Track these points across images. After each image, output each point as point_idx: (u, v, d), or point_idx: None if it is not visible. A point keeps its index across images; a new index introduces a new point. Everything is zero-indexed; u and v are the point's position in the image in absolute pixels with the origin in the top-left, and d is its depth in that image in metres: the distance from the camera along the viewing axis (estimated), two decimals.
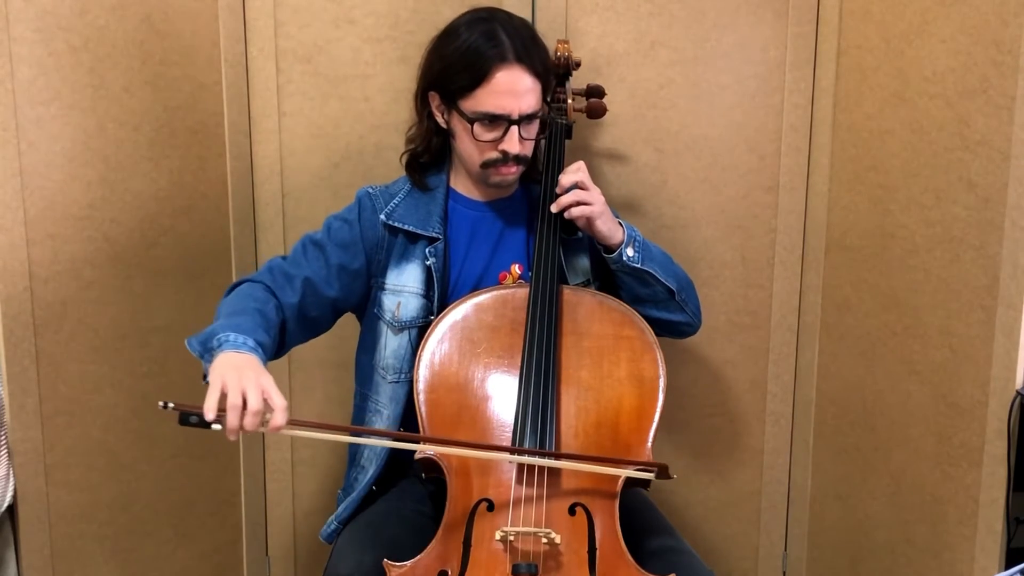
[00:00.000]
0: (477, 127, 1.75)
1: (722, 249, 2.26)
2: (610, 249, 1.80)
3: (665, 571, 1.61)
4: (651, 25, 2.16)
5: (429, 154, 1.88)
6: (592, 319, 1.78)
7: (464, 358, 1.74)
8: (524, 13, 2.02)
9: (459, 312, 1.77)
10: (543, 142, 1.90)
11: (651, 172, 2.22)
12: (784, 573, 2.41)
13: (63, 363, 1.90)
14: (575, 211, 1.76)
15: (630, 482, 1.65)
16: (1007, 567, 1.69)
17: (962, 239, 1.83)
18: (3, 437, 1.81)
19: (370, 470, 1.85)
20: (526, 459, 1.63)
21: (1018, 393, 1.75)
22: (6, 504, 1.81)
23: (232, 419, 1.45)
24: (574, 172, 1.79)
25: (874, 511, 2.12)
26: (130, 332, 2.01)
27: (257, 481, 2.30)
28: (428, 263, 1.82)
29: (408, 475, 1.88)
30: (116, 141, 1.94)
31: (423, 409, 1.71)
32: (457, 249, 1.86)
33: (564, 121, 1.91)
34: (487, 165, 1.79)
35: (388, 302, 1.84)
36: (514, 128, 1.74)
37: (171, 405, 1.45)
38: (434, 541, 1.62)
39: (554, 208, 1.79)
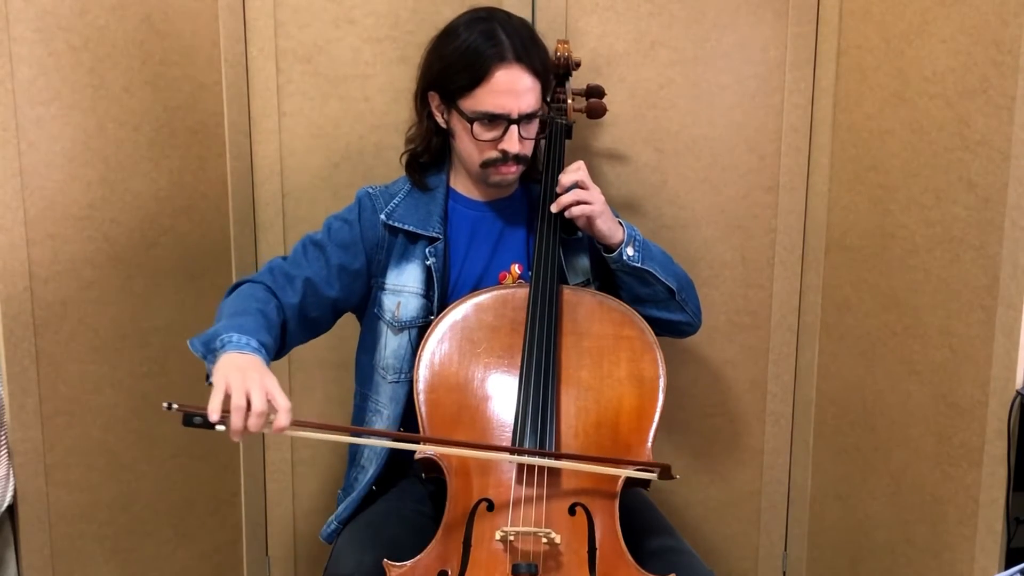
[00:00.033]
0: (477, 127, 1.75)
1: (722, 249, 2.26)
2: (610, 248, 1.80)
3: (665, 571, 1.61)
4: (651, 25, 2.16)
5: (429, 154, 1.88)
6: (592, 319, 1.78)
7: (464, 358, 1.73)
8: (524, 13, 2.02)
9: (459, 312, 1.77)
10: (543, 142, 1.90)
11: (651, 172, 2.22)
12: (784, 573, 2.41)
13: (63, 363, 1.90)
14: (575, 210, 1.76)
15: (630, 482, 1.65)
16: (1007, 567, 1.69)
17: (962, 239, 1.83)
18: (3, 437, 1.81)
19: (370, 470, 1.85)
20: (527, 459, 1.63)
21: (1018, 393, 1.75)
22: (6, 504, 1.81)
23: (236, 420, 1.45)
24: (574, 172, 1.79)
25: (874, 511, 2.12)
26: (130, 332, 2.01)
27: (257, 481, 2.30)
28: (428, 263, 1.82)
29: (408, 475, 1.88)
30: (116, 141, 1.94)
31: (423, 409, 1.71)
32: (457, 249, 1.86)
33: (564, 121, 1.91)
34: (487, 165, 1.79)
35: (388, 302, 1.84)
36: (513, 127, 1.74)
37: (175, 406, 1.45)
38: (434, 541, 1.62)
39: (554, 208, 1.79)
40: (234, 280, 2.13)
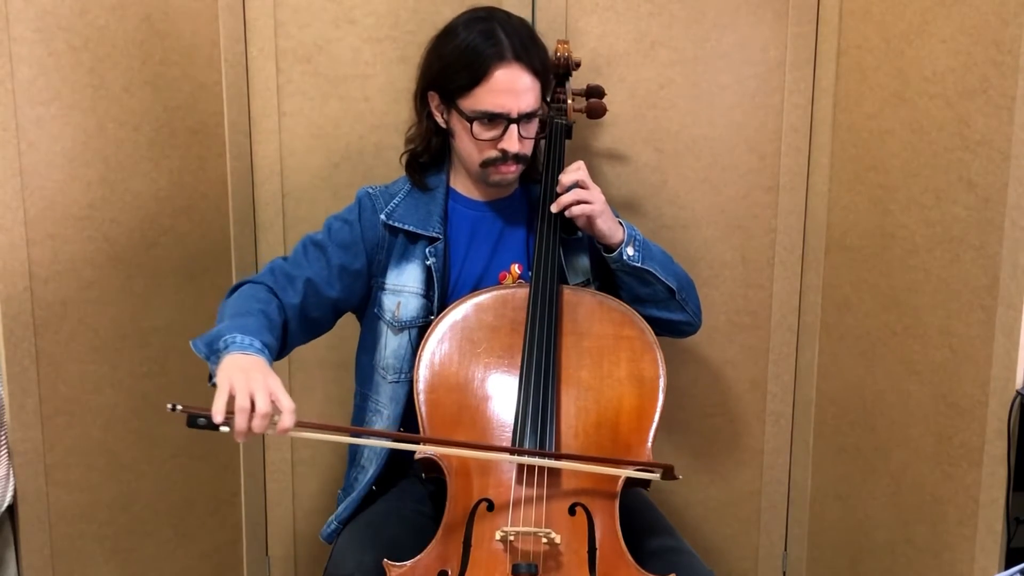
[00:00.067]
0: (476, 126, 1.75)
1: (722, 249, 2.26)
2: (610, 248, 1.80)
3: (665, 571, 1.61)
4: (651, 25, 2.16)
5: (429, 154, 1.88)
6: (592, 319, 1.78)
7: (464, 358, 1.73)
8: (524, 13, 2.02)
9: (459, 312, 1.77)
10: (543, 142, 1.90)
11: (651, 172, 2.22)
12: (784, 573, 2.41)
13: (63, 363, 1.90)
14: (575, 210, 1.76)
15: (630, 482, 1.66)
16: (1007, 567, 1.69)
17: (962, 239, 1.83)
18: (3, 437, 1.81)
19: (370, 470, 1.85)
20: (528, 460, 1.63)
21: (1018, 393, 1.75)
22: (6, 504, 1.81)
23: (240, 422, 1.45)
24: (574, 171, 1.79)
25: (874, 511, 2.12)
26: (130, 332, 2.01)
27: (257, 481, 2.30)
28: (428, 263, 1.82)
29: (408, 475, 1.88)
30: (116, 141, 1.94)
31: (423, 409, 1.71)
32: (457, 249, 1.86)
33: (564, 121, 1.91)
34: (487, 164, 1.79)
35: (388, 302, 1.84)
36: (513, 127, 1.74)
37: (179, 407, 1.44)
38: (434, 541, 1.62)
39: (554, 208, 1.79)
40: (234, 280, 2.13)
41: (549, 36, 1.94)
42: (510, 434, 1.66)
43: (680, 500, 2.35)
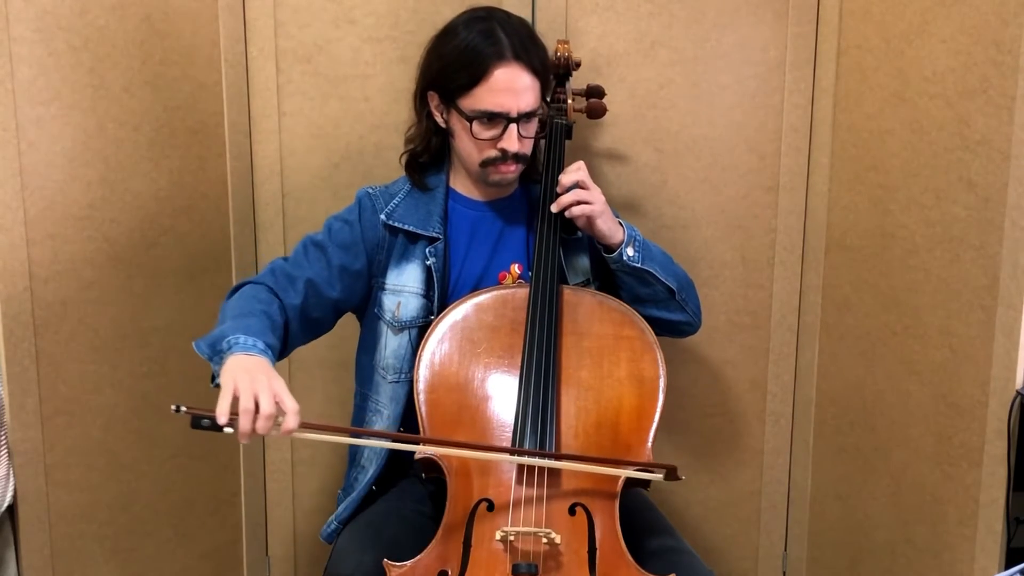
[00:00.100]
0: (476, 125, 1.75)
1: (722, 249, 2.26)
2: (610, 249, 1.80)
3: (665, 571, 1.61)
4: (651, 25, 2.16)
5: (428, 154, 1.88)
6: (592, 319, 1.78)
7: (464, 358, 1.73)
8: (524, 13, 2.02)
9: (459, 312, 1.77)
10: (543, 142, 1.90)
11: (651, 172, 2.22)
12: (784, 573, 2.41)
13: (63, 363, 1.90)
14: (575, 210, 1.76)
15: (630, 482, 1.66)
16: (1007, 567, 1.69)
17: (962, 239, 1.83)
18: (3, 437, 1.81)
19: (370, 470, 1.85)
20: (528, 460, 1.63)
21: (1018, 393, 1.75)
22: (6, 504, 1.81)
23: (245, 423, 1.45)
24: (574, 172, 1.79)
25: (874, 511, 2.12)
26: (130, 332, 2.01)
27: (257, 481, 2.30)
28: (428, 263, 1.82)
29: (408, 475, 1.88)
30: (116, 141, 1.94)
31: (423, 409, 1.71)
32: (457, 249, 1.86)
33: (564, 121, 1.91)
34: (486, 164, 1.79)
35: (388, 302, 1.84)
36: (513, 126, 1.74)
37: (184, 409, 1.44)
38: (434, 541, 1.62)
39: (554, 208, 1.79)
40: (234, 280, 2.13)
41: (549, 36, 1.94)
42: (510, 434, 1.66)
43: (680, 500, 2.35)
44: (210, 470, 2.19)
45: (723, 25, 2.17)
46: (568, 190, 1.77)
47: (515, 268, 1.87)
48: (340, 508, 1.86)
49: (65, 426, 1.91)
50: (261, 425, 1.45)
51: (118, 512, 2.03)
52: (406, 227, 1.83)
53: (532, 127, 1.80)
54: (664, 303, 1.85)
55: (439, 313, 1.78)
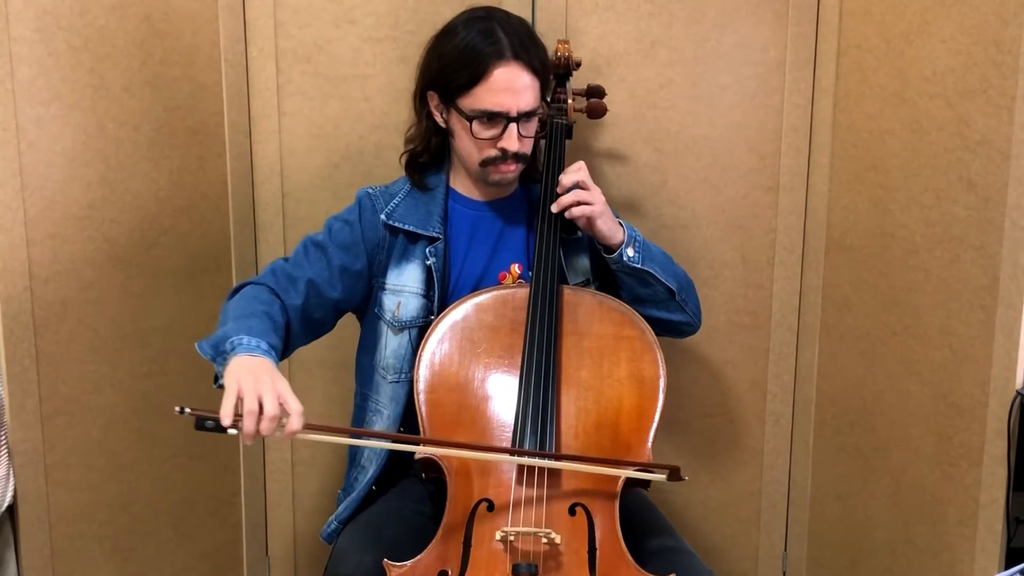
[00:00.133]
0: (476, 125, 1.75)
1: (722, 249, 2.26)
2: (610, 249, 1.80)
3: (665, 571, 1.61)
4: (651, 25, 2.16)
5: (428, 154, 1.88)
6: (592, 319, 1.78)
7: (464, 358, 1.73)
8: (524, 13, 2.02)
9: (459, 312, 1.77)
10: (543, 142, 1.90)
11: (651, 172, 2.22)
12: (784, 573, 2.41)
13: (63, 363, 1.90)
14: (576, 211, 1.76)
15: (630, 482, 1.65)
16: (1007, 567, 1.69)
17: (962, 239, 1.83)
18: (3, 437, 1.81)
19: (370, 470, 1.85)
20: (528, 460, 1.63)
21: (1018, 393, 1.75)
22: (6, 504, 1.81)
23: (249, 424, 1.45)
24: (575, 172, 1.79)
25: (874, 511, 2.12)
26: (130, 332, 2.01)
27: (257, 481, 2.30)
28: (428, 263, 1.82)
29: (408, 475, 1.88)
30: (116, 141, 1.94)
31: (423, 409, 1.71)
32: (457, 249, 1.86)
33: (564, 121, 1.91)
34: (486, 163, 1.79)
35: (388, 302, 1.84)
36: (512, 125, 1.74)
37: (188, 410, 1.44)
38: (434, 541, 1.62)
39: (555, 208, 1.79)
40: (234, 280, 2.13)
41: (549, 36, 1.94)
42: (510, 434, 1.66)
43: (680, 500, 2.35)
44: (210, 470, 2.19)
45: (723, 25, 2.17)
46: (568, 190, 1.77)
47: (515, 268, 1.87)
48: (340, 508, 1.86)
49: (65, 426, 1.91)
50: (265, 427, 1.45)
51: (118, 512, 2.03)
52: (406, 227, 1.83)
53: (532, 126, 1.80)
54: (664, 303, 1.85)
55: (439, 313, 1.78)
